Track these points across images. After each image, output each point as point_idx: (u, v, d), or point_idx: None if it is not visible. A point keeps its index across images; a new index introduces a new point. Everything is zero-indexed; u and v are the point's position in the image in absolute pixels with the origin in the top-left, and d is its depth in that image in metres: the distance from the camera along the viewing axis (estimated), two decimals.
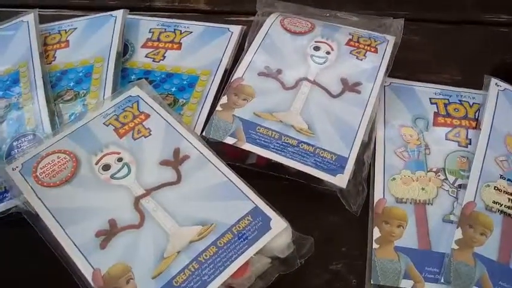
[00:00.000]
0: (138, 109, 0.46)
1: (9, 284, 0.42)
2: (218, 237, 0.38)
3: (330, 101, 0.48)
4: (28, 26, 0.56)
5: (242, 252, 0.38)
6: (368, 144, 0.47)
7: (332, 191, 0.45)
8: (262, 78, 0.50)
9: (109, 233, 0.39)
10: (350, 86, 0.49)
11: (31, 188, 0.41)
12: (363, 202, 0.45)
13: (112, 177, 0.42)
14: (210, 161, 0.43)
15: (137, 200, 0.41)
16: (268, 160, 0.45)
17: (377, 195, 0.45)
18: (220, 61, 0.54)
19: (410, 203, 0.44)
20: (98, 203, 0.41)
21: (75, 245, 0.38)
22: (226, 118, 0.47)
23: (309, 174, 0.44)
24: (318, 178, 0.44)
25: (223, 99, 0.48)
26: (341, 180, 0.44)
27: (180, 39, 0.57)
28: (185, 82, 0.53)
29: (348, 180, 0.44)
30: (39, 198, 0.41)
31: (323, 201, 0.45)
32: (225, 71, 0.53)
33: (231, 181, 0.42)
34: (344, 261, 0.43)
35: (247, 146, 0.45)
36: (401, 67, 0.53)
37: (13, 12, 0.59)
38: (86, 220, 0.40)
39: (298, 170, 0.44)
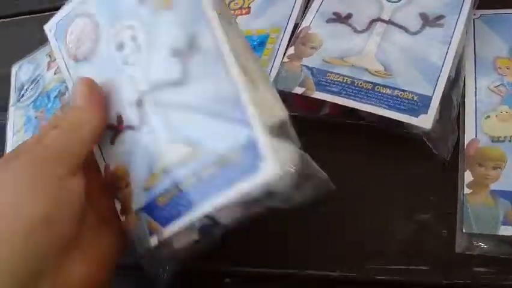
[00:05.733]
0: None
1: None
2: (199, 167, 0.31)
3: (408, 39, 0.44)
4: None
5: (221, 192, 0.30)
6: (455, 81, 0.41)
7: (416, 135, 0.40)
8: (330, 24, 0.47)
9: (116, 129, 0.36)
10: (430, 21, 0.44)
11: (62, 58, 0.38)
12: (453, 144, 0.40)
13: (124, 62, 0.36)
14: (224, 59, 0.32)
15: (140, 96, 0.35)
16: (342, 107, 0.41)
17: (468, 135, 0.40)
18: (289, 17, 0.51)
19: (509, 141, 0.38)
20: (111, 90, 0.36)
21: None
22: (294, 68, 0.44)
23: (388, 118, 0.40)
24: (399, 121, 0.40)
25: (290, 50, 0.46)
26: (424, 121, 0.39)
27: (249, 4, 0.56)
28: (255, 43, 0.51)
29: (435, 121, 0.39)
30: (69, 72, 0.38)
31: (406, 147, 0.41)
32: (295, 25, 0.50)
33: (239, 96, 0.31)
34: (432, 210, 0.38)
35: (317, 95, 0.42)
36: None
37: None
38: None
39: (376, 115, 0.40)
